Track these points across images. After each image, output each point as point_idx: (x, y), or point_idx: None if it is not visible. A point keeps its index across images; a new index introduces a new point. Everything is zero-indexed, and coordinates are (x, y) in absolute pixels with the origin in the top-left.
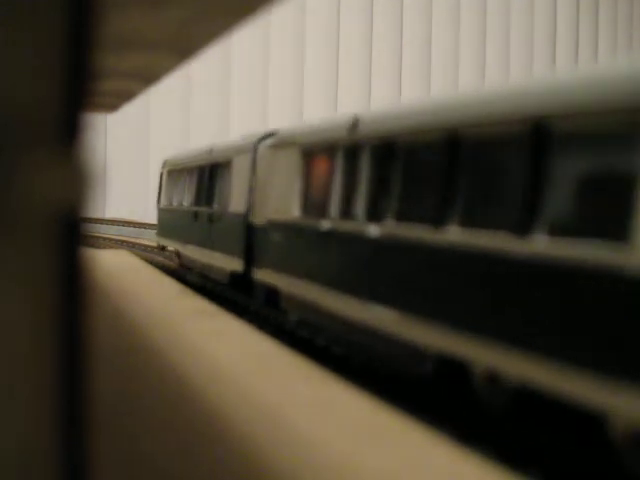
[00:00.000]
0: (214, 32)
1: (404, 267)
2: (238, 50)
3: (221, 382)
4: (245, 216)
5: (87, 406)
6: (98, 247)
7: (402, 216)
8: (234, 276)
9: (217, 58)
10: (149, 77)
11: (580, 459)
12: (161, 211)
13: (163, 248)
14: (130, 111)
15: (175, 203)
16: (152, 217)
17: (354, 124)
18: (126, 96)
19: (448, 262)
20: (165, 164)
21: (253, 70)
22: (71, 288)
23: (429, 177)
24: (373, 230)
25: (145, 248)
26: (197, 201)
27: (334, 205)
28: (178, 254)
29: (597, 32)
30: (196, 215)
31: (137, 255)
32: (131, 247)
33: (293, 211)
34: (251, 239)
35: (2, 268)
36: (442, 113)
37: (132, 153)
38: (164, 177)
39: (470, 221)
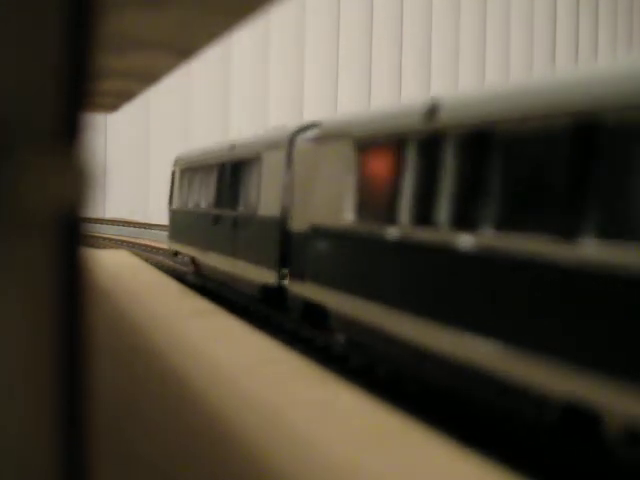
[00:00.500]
0: (214, 32)
1: (514, 290)
2: (238, 50)
3: (221, 382)
4: (279, 220)
5: (87, 406)
6: (98, 247)
7: (507, 224)
8: (266, 289)
9: (217, 58)
10: (149, 77)
11: (580, 459)
12: (174, 213)
13: (176, 254)
14: (130, 111)
15: (191, 204)
16: (152, 217)
17: (432, 110)
18: (126, 96)
19: (582, 286)
20: (177, 162)
21: (253, 70)
22: (71, 288)
23: (548, 175)
24: (464, 240)
25: (145, 248)
26: (218, 203)
27: (404, 209)
28: (194, 261)
29: (597, 31)
30: (217, 218)
31: (137, 255)
32: (131, 247)
33: (346, 215)
34: (287, 247)
35: (2, 268)
36: (572, 93)
37: (132, 153)
38: (176, 176)
39: (617, 232)
